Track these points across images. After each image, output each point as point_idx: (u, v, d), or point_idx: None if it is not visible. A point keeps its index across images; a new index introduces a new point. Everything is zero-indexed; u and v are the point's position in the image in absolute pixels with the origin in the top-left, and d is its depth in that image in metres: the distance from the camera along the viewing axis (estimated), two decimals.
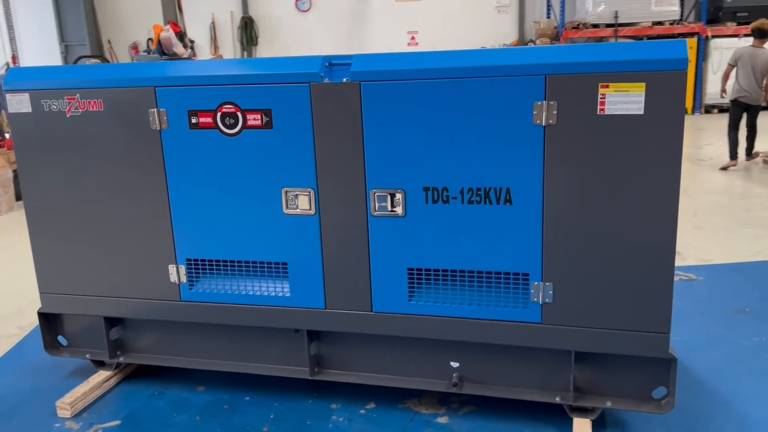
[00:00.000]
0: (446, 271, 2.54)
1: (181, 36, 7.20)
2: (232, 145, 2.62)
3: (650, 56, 2.16)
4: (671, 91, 2.16)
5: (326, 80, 2.48)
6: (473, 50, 2.42)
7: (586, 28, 12.31)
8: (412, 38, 13.40)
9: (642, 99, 2.19)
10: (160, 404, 2.90)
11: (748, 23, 12.55)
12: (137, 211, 2.80)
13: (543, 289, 2.42)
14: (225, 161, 2.64)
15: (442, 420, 2.68)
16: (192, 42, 9.44)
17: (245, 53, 13.22)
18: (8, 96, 2.82)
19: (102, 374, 3.05)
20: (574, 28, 12.39)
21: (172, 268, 2.82)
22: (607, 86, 2.20)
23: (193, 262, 2.81)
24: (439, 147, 2.41)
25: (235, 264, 2.77)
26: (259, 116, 2.56)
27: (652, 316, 2.35)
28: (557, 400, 2.57)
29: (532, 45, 12.57)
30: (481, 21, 13.34)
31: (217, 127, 2.62)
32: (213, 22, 13.38)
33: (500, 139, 2.34)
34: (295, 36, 13.40)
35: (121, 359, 3.06)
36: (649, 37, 12.30)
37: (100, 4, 13.32)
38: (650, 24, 12.37)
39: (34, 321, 3.88)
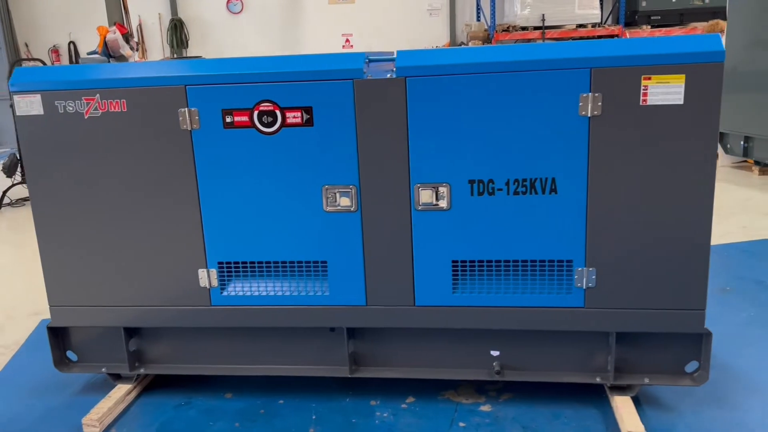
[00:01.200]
0: (490, 261, 2.59)
1: (127, 38, 6.93)
2: (270, 143, 2.57)
3: (690, 49, 2.30)
4: (709, 82, 2.31)
5: (369, 76, 2.48)
6: (520, 45, 2.49)
7: (516, 30, 12.73)
8: (347, 41, 13.43)
9: (682, 90, 2.32)
10: (191, 414, 2.81)
11: (661, 26, 13.44)
12: (164, 215, 2.70)
13: (586, 274, 2.52)
14: (261, 160, 2.59)
15: (485, 408, 2.73)
16: (138, 44, 9.05)
17: (175, 56, 12.83)
18: (16, 98, 2.65)
19: (122, 387, 2.91)
20: (504, 30, 12.79)
21: (202, 273, 2.73)
22: (649, 78, 2.33)
23: (225, 265, 2.73)
24: (484, 140, 2.47)
25: (271, 265, 2.72)
26: (299, 114, 2.53)
27: (688, 294, 2.50)
28: (597, 380, 2.68)
29: (464, 46, 12.89)
30: (413, 23, 13.54)
31: (254, 126, 2.56)
32: (140, 25, 12.90)
33: (546, 131, 2.43)
34: (227, 38, 13.14)
35: (142, 371, 2.93)
36: (573, 39, 12.87)
37: (14, 6, 12.57)
38: (574, 27, 12.94)
39: (17, 339, 3.67)
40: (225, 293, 2.75)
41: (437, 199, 2.54)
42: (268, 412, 2.79)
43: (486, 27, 13.37)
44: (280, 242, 2.67)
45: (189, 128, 2.59)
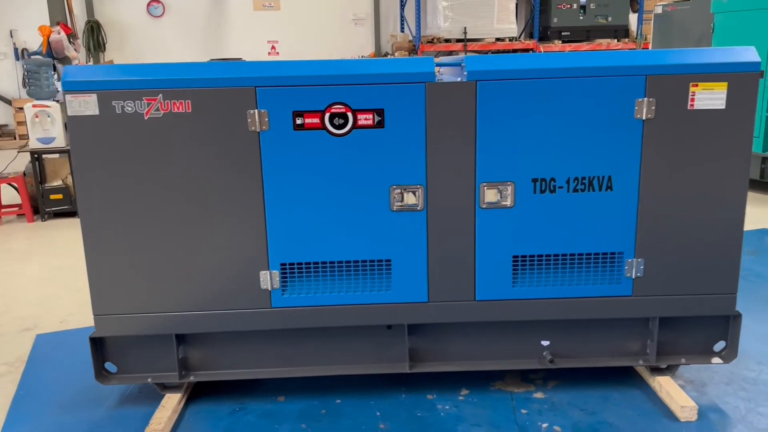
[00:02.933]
0: (549, 255, 2.76)
1: (71, 38, 6.54)
2: (340, 145, 2.61)
3: (733, 59, 2.58)
4: (747, 89, 2.59)
5: (440, 80, 2.58)
6: (581, 53, 2.68)
7: (440, 42, 13.15)
8: (273, 47, 13.32)
9: (724, 96, 2.59)
10: (250, 419, 2.77)
11: (570, 41, 14.32)
12: (226, 218, 2.66)
13: (635, 265, 2.74)
14: (331, 162, 2.62)
15: (539, 395, 2.89)
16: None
17: (92, 59, 12.21)
18: (69, 97, 2.53)
19: (173, 397, 2.82)
20: (428, 42, 13.17)
21: (264, 275, 2.71)
22: (696, 85, 2.58)
23: (287, 267, 2.73)
24: (547, 141, 2.63)
25: (335, 264, 2.74)
26: (370, 116, 2.59)
27: (723, 279, 2.77)
28: (640, 362, 2.90)
29: (390, 57, 13.16)
30: (338, 32, 13.65)
31: (325, 128, 2.59)
32: None
33: (604, 132, 2.62)
34: (147, 42, 12.66)
35: (192, 378, 2.86)
36: (494, 52, 13.46)
37: None
38: (494, 40, 13.54)
39: (19, 356, 3.45)
40: (286, 295, 2.75)
41: (501, 198, 2.67)
42: (330, 412, 2.81)
43: (410, 38, 13.70)
44: (344, 242, 2.71)
45: (258, 130, 2.58)
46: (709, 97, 2.59)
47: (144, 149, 2.59)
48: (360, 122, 2.59)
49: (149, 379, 2.86)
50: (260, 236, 2.69)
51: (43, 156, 6.35)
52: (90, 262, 2.69)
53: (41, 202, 6.34)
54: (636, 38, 14.82)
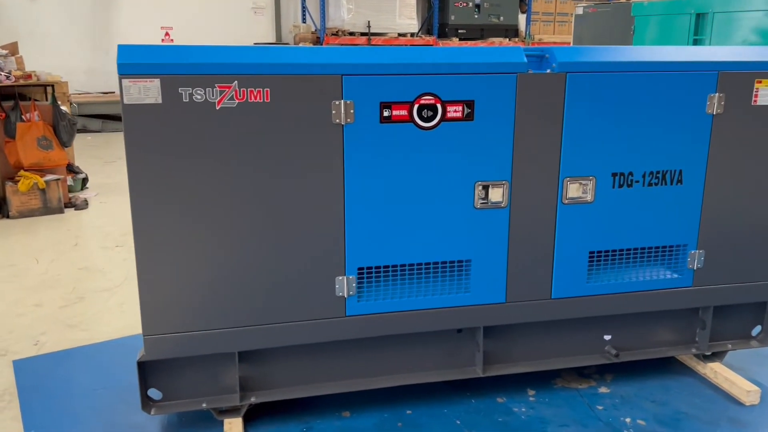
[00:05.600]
0: (622, 250, 2.75)
1: None
2: (427, 139, 2.44)
3: None
4: None
5: (530, 71, 2.49)
6: (658, 47, 2.68)
7: (345, 35, 12.98)
8: (167, 34, 12.47)
9: None
10: None
11: (467, 39, 14.72)
12: (300, 220, 2.40)
13: (697, 256, 2.81)
14: (416, 157, 2.44)
15: (603, 390, 2.89)
16: None
17: None
18: (126, 82, 2.15)
19: (234, 422, 2.51)
20: (333, 34, 12.96)
21: (339, 281, 2.48)
22: (760, 81, 2.68)
23: (365, 271, 2.51)
24: (626, 135, 2.61)
25: (414, 267, 2.56)
26: (460, 108, 2.44)
27: (767, 267, 2.92)
28: (693, 351, 2.99)
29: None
30: (237, 21, 13.03)
31: (413, 121, 2.41)
32: None
33: (678, 126, 2.65)
34: (23, 26, 11.35)
35: (253, 399, 2.56)
36: (397, 47, 13.51)
37: None
38: (396, 35, 13.59)
39: (6, 387, 2.93)
40: (362, 301, 2.53)
41: (583, 192, 2.63)
42: (407, 424, 2.63)
43: (314, 29, 13.40)
44: (424, 242, 2.54)
45: (342, 122, 2.34)
46: None
47: (212, 145, 2.27)
48: (449, 114, 2.43)
49: (204, 404, 2.52)
50: (338, 239, 2.45)
51: None
52: (142, 274, 2.31)
53: None
54: (525, 38, 15.53)
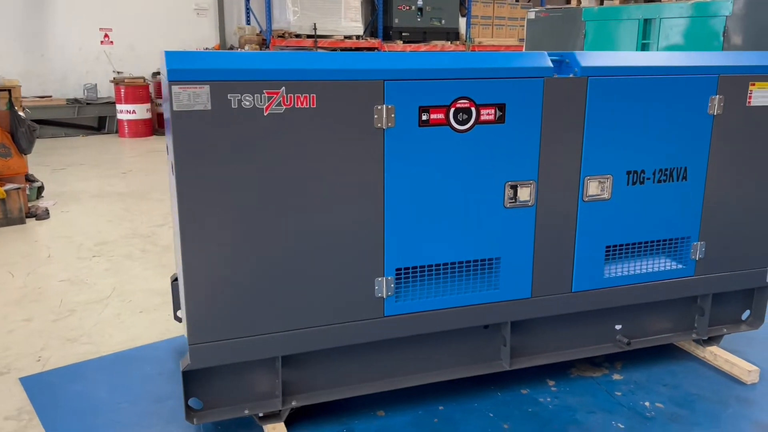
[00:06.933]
0: (635, 244, 2.91)
1: None
2: (462, 141, 2.52)
3: None
4: None
5: (555, 75, 2.61)
6: (664, 52, 2.85)
7: (291, 37, 12.91)
8: (106, 36, 12.06)
9: None
10: None
11: (410, 42, 14.91)
12: (342, 223, 2.43)
13: (699, 247, 3.01)
14: (451, 159, 2.52)
15: (617, 377, 3.05)
16: None
17: None
18: (176, 88, 2.13)
19: (277, 427, 2.51)
20: (279, 36, 12.87)
21: (379, 281, 2.53)
22: (754, 84, 2.90)
23: (402, 272, 2.57)
24: (639, 135, 2.78)
25: (447, 266, 2.63)
26: (492, 111, 2.53)
27: (759, 256, 3.15)
28: (694, 336, 3.19)
29: (236, 51, 12.64)
30: (179, 23, 12.74)
31: (449, 124, 2.48)
32: None
33: (684, 126, 2.84)
34: None
35: (294, 403, 2.57)
36: (342, 49, 13.54)
37: None
38: (342, 38, 13.62)
39: (20, 406, 2.83)
40: (399, 302, 2.59)
41: (602, 190, 2.77)
42: (442, 420, 2.70)
43: (259, 31, 13.27)
44: (457, 242, 2.62)
45: (383, 126, 2.39)
46: (762, 94, 2.93)
47: (260, 151, 2.27)
48: (482, 117, 2.52)
49: (246, 411, 2.51)
50: (378, 241, 2.50)
51: None
52: (189, 281, 2.29)
53: None
54: (466, 41, 15.88)
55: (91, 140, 10.95)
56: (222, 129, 2.21)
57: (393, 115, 2.39)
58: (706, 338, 3.24)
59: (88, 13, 11.82)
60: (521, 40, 16.32)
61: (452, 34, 15.71)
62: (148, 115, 11.37)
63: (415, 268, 2.59)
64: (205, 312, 2.34)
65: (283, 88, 2.24)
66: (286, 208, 2.35)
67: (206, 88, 2.16)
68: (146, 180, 7.60)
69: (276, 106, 2.25)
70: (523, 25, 16.41)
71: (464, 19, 15.88)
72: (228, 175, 2.26)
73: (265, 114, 2.24)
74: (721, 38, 6.68)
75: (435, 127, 2.47)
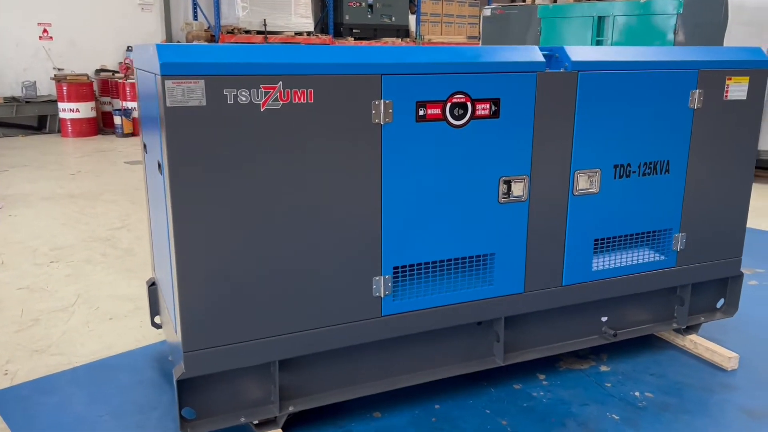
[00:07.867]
0: (622, 236, 2.95)
1: None
2: (457, 137, 2.49)
3: (753, 57, 3.02)
4: (761, 83, 3.06)
5: (547, 69, 2.61)
6: (652, 47, 2.89)
7: (240, 33, 12.67)
8: (45, 31, 11.54)
9: (746, 88, 3.03)
10: None
11: (361, 38, 14.86)
12: (338, 222, 2.37)
13: (681, 239, 3.07)
14: (447, 154, 2.49)
15: (605, 368, 3.08)
16: None
17: None
18: (170, 83, 2.02)
19: None
20: (228, 32, 12.61)
21: (377, 281, 2.48)
22: (730, 78, 2.98)
23: (400, 270, 2.53)
24: (625, 129, 2.81)
25: (444, 263, 2.60)
26: (488, 106, 2.51)
27: (733, 246, 3.24)
28: (674, 326, 3.26)
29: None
30: (123, 17, 12.31)
31: (445, 119, 2.45)
32: None
33: (667, 120, 2.89)
34: None
35: (291, 408, 2.49)
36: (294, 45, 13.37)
37: None
38: (293, 34, 13.45)
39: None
40: (396, 301, 2.54)
41: (591, 184, 2.79)
42: (440, 418, 2.67)
43: (207, 27, 12.96)
44: (453, 238, 2.59)
45: (381, 122, 2.34)
46: (738, 89, 3.01)
47: (256, 148, 2.19)
48: (478, 112, 2.50)
49: (242, 419, 2.42)
50: (376, 239, 2.44)
51: None
52: (183, 287, 2.19)
53: None
54: (415, 38, 15.93)
55: (31, 140, 10.48)
56: (217, 125, 2.11)
57: (391, 111, 2.34)
58: (685, 327, 3.32)
59: (25, 6, 11.31)
60: (470, 37, 16.54)
61: (402, 31, 15.73)
62: (92, 114, 10.97)
63: (413, 266, 2.55)
64: (201, 318, 2.24)
65: (281, 82, 2.16)
66: (284, 208, 2.27)
67: (201, 82, 2.06)
68: (97, 181, 7.31)
69: (273, 101, 2.17)
70: (473, 23, 16.64)
71: (414, 16, 15.92)
72: (223, 174, 2.16)
73: (262, 110, 2.16)
74: (672, 35, 6.88)
75: (431, 123, 2.43)
